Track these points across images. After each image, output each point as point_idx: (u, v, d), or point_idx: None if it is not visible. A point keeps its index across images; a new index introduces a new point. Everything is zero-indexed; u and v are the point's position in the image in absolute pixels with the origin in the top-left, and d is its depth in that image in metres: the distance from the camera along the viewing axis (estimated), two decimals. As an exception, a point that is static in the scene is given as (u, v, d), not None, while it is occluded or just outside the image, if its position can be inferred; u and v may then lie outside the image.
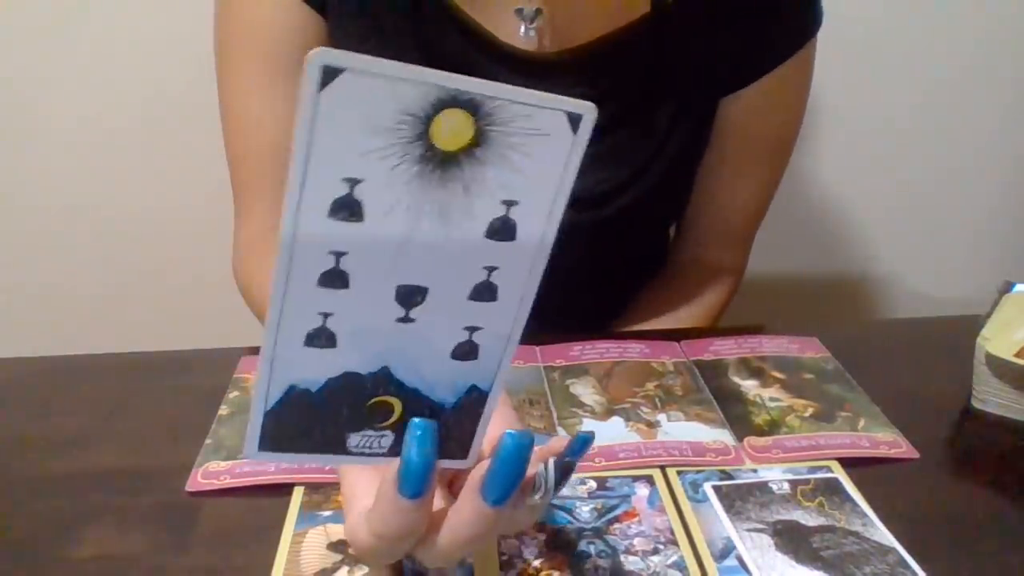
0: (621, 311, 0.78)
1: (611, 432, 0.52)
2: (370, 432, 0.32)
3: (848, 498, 0.47)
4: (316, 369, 0.29)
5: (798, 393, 0.57)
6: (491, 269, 0.29)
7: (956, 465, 0.53)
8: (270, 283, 0.27)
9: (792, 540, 0.44)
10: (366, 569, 0.41)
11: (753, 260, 0.81)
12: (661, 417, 0.54)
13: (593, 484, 0.48)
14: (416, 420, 0.31)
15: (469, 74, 0.25)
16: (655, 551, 0.43)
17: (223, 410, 0.54)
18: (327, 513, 0.45)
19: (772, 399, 0.56)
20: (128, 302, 1.21)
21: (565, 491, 0.47)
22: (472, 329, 0.30)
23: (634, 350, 0.62)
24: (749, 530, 0.45)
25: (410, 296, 0.29)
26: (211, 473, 0.48)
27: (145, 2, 1.04)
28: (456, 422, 0.32)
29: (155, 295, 1.21)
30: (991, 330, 0.56)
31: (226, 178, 0.71)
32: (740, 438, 0.52)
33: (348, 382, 0.30)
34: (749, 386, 0.58)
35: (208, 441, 0.51)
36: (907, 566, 0.42)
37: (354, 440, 0.32)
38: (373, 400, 0.31)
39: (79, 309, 1.20)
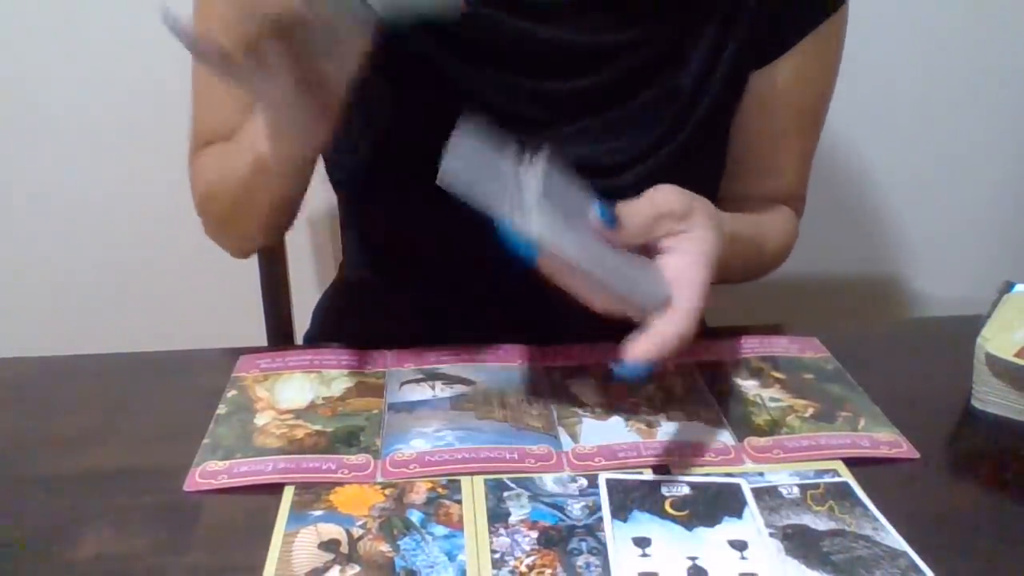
0: None
1: (611, 432, 0.52)
2: None
3: (858, 502, 0.47)
4: None
5: (798, 393, 0.57)
6: None
7: (956, 465, 0.53)
8: None
9: (802, 544, 0.44)
10: (358, 568, 0.41)
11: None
12: (661, 417, 0.54)
13: (584, 482, 0.48)
14: None
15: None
16: (655, 551, 0.43)
17: (221, 409, 0.54)
18: (318, 512, 0.45)
19: (772, 399, 0.56)
20: (128, 302, 1.21)
21: (557, 489, 0.47)
22: None
23: (634, 350, 0.62)
24: (758, 533, 0.44)
25: None
26: (208, 473, 0.48)
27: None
28: None
29: (155, 295, 1.21)
30: (991, 330, 0.56)
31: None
32: (740, 438, 0.52)
33: None
34: (749, 386, 0.58)
35: (206, 441, 0.51)
36: (918, 570, 0.42)
37: None
38: None
39: (79, 309, 1.20)
